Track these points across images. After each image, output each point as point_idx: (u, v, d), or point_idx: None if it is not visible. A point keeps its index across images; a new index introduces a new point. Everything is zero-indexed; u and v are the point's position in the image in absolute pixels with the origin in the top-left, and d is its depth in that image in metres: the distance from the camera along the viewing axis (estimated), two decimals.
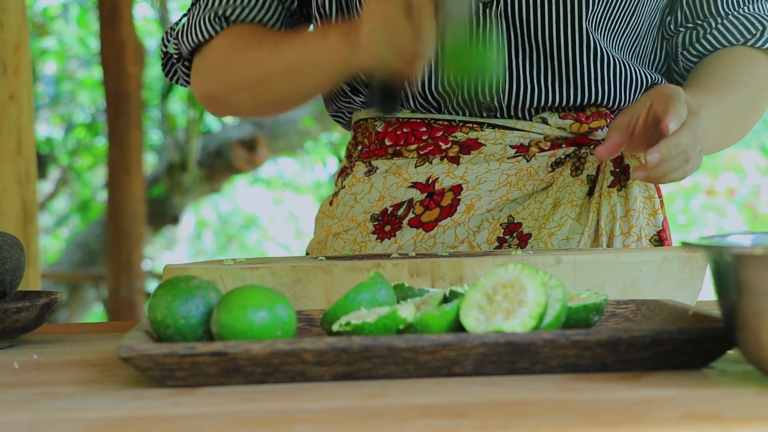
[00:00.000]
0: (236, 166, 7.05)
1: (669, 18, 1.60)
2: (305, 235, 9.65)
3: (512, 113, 1.51)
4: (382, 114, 1.55)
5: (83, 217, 8.73)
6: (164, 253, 9.78)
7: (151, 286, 6.25)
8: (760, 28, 1.56)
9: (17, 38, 2.82)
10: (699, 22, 1.58)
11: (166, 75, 1.65)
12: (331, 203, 1.61)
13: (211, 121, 7.31)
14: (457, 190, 1.51)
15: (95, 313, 7.77)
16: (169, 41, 1.61)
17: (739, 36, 1.57)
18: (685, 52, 1.59)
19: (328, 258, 1.36)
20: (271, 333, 0.97)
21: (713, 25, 1.57)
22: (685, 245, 0.94)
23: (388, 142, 1.55)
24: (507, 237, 1.50)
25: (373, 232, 1.53)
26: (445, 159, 1.52)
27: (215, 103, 1.60)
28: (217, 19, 1.55)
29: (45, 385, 0.98)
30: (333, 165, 8.71)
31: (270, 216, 10.46)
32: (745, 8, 1.58)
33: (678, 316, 1.06)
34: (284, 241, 10.31)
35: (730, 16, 1.57)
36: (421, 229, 1.51)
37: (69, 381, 1.00)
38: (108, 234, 5.82)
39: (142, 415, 0.84)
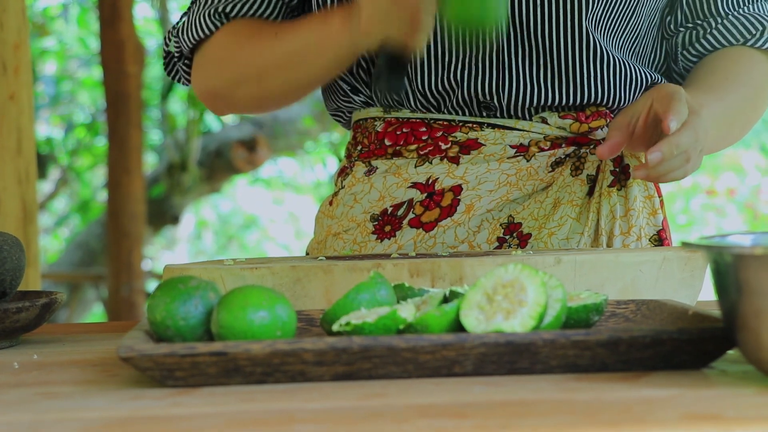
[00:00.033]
0: (236, 166, 7.05)
1: (669, 18, 1.60)
2: (305, 235, 9.64)
3: (512, 113, 1.51)
4: (388, 94, 1.52)
5: (83, 217, 8.73)
6: (164, 253, 9.78)
7: (151, 286, 6.24)
8: (760, 28, 1.56)
9: (17, 38, 2.82)
10: (699, 22, 1.58)
11: (168, 74, 1.65)
12: (330, 203, 1.61)
13: (211, 121, 7.31)
14: (457, 190, 1.51)
15: (95, 313, 7.77)
16: (170, 40, 1.61)
17: (738, 36, 1.57)
18: (684, 52, 1.59)
19: (328, 258, 1.35)
20: (271, 333, 0.97)
21: (713, 25, 1.57)
22: (685, 245, 0.94)
23: (387, 142, 1.55)
24: (507, 237, 1.50)
25: (373, 232, 1.53)
26: (445, 159, 1.52)
27: (216, 99, 1.58)
28: (216, 16, 1.54)
29: (45, 385, 0.98)
30: (333, 165, 8.71)
31: (270, 216, 10.46)
32: (745, 8, 1.58)
33: (678, 316, 1.06)
34: (284, 241, 10.31)
35: (729, 16, 1.57)
36: (421, 229, 1.51)
37: (69, 381, 1.00)
38: (108, 234, 5.82)
39: (142, 415, 0.84)
